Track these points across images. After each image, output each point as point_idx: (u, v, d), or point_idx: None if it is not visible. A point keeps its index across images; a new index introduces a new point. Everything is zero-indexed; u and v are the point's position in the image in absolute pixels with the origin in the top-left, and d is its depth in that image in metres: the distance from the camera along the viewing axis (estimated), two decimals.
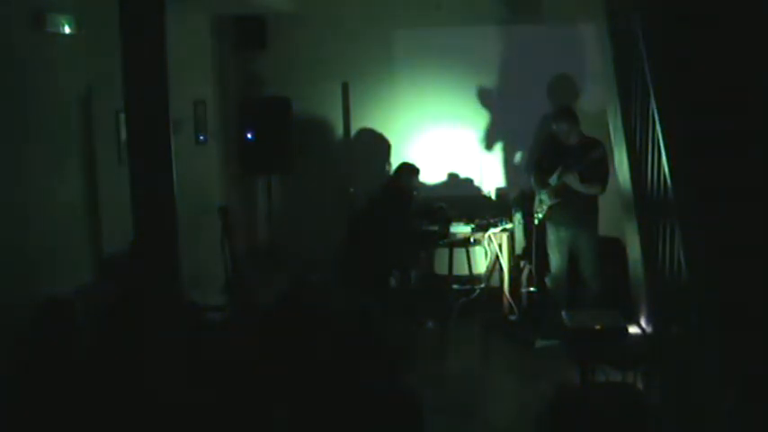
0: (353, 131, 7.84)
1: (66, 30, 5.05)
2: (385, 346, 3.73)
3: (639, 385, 4.86)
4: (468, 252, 7.53)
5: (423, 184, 7.61)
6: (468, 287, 7.50)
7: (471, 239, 7.33)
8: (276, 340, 4.22)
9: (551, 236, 6.65)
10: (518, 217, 7.35)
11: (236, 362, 3.97)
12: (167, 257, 3.47)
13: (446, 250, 7.35)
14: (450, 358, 6.73)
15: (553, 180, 6.47)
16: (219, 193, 7.67)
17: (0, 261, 4.49)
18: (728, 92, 4.66)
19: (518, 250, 7.41)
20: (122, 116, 4.47)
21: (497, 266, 7.41)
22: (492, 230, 7.27)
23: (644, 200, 4.69)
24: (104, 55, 4.92)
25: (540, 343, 6.61)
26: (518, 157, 7.90)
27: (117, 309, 4.10)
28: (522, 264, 7.29)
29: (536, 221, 6.77)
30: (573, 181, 6.37)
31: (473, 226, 7.30)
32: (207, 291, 5.85)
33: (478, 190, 7.97)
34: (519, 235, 7.38)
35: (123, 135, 4.72)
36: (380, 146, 7.95)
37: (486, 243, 7.35)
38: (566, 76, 7.78)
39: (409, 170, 7.33)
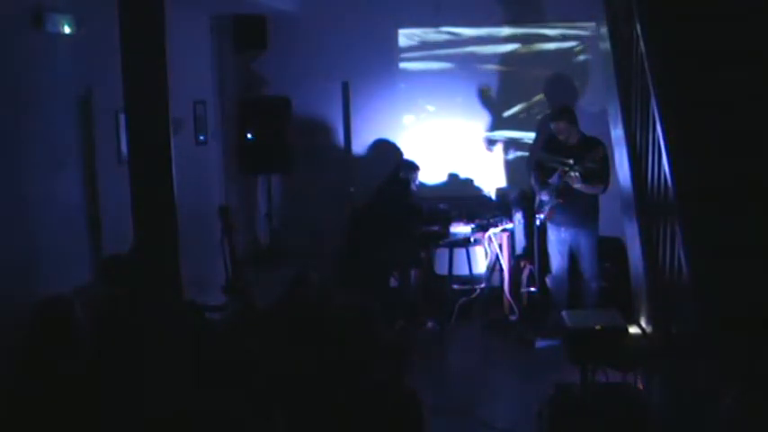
0: (354, 132, 7.84)
1: (66, 30, 5.05)
2: (385, 346, 3.73)
3: (639, 385, 4.86)
4: (468, 252, 7.53)
5: (422, 183, 7.61)
6: (468, 287, 7.51)
7: (471, 239, 7.33)
8: (276, 340, 4.23)
9: (552, 236, 6.65)
10: (518, 217, 7.35)
11: (237, 362, 3.97)
12: (167, 257, 3.47)
13: (446, 250, 7.35)
14: (450, 358, 6.74)
15: (554, 181, 6.47)
16: (219, 193, 7.67)
17: (0, 261, 4.49)
18: (729, 91, 4.66)
19: (518, 250, 7.41)
20: (122, 116, 4.47)
21: (497, 266, 7.41)
22: (492, 230, 7.27)
23: (644, 200, 4.69)
24: (104, 55, 4.91)
25: (540, 343, 6.61)
26: (518, 157, 7.91)
27: (117, 309, 4.10)
28: (522, 264, 7.29)
29: (537, 222, 6.77)
30: (575, 181, 6.37)
31: (473, 226, 7.31)
32: (207, 291, 5.85)
33: (478, 190, 7.98)
34: (519, 235, 7.38)
35: (123, 135, 4.72)
36: (381, 147, 7.96)
37: (486, 243, 7.36)
38: (565, 76, 7.79)
39: (409, 166, 7.35)
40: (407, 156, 7.69)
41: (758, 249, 4.16)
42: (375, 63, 7.87)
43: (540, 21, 7.76)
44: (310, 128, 7.93)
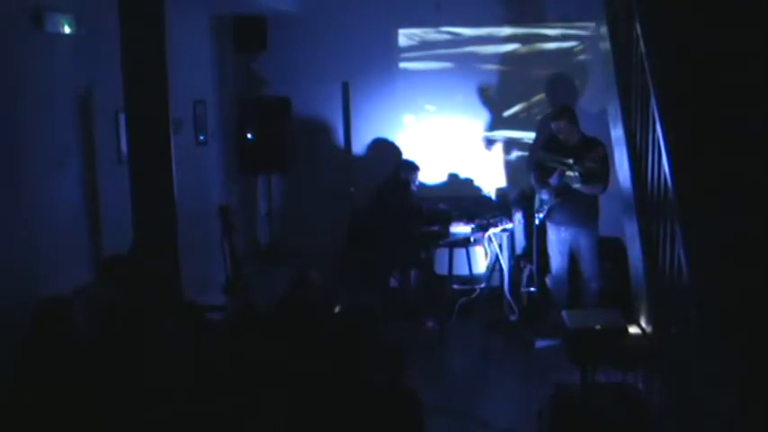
0: (354, 132, 7.85)
1: (67, 30, 5.05)
2: (385, 346, 3.73)
3: (639, 385, 4.86)
4: (468, 252, 7.53)
5: (422, 183, 7.60)
6: (468, 287, 7.50)
7: (471, 239, 7.33)
8: (276, 340, 4.22)
9: (552, 236, 6.65)
10: (518, 217, 7.35)
11: (237, 362, 3.97)
12: (167, 257, 3.47)
13: (446, 250, 7.35)
14: (450, 358, 6.73)
15: (554, 180, 6.47)
16: (219, 193, 7.67)
17: (0, 261, 4.49)
18: (729, 91, 4.66)
19: (518, 250, 7.41)
20: (122, 116, 4.47)
21: (497, 266, 7.41)
22: (492, 230, 7.27)
23: (644, 200, 4.69)
24: (104, 55, 4.91)
25: (540, 343, 6.61)
26: (518, 157, 7.92)
27: (117, 309, 4.10)
28: (522, 264, 7.29)
29: (537, 222, 6.77)
30: (574, 181, 6.37)
31: (473, 226, 7.31)
32: (207, 291, 5.85)
33: (478, 190, 7.98)
34: (519, 235, 7.38)
35: (123, 135, 4.72)
36: (381, 147, 7.96)
37: (486, 243, 7.36)
38: (565, 75, 7.79)
39: (408, 166, 7.35)
40: (407, 156, 7.69)
41: (758, 249, 4.16)
42: (375, 63, 7.87)
43: (540, 21, 7.76)
44: (310, 128, 7.93)
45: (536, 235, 6.88)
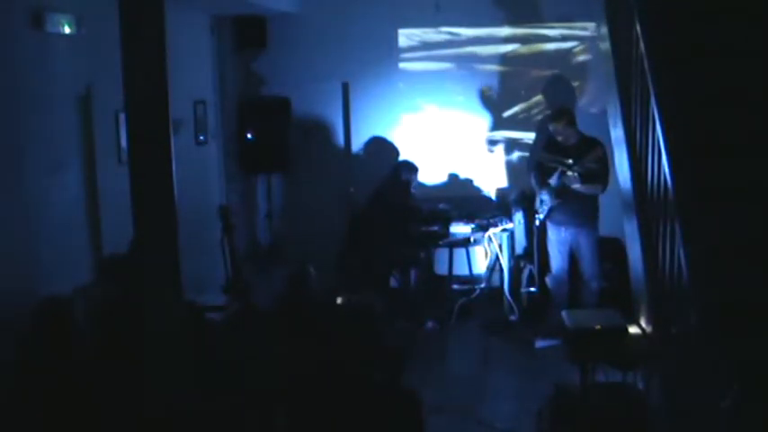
0: (354, 132, 7.85)
1: (66, 30, 5.05)
2: (385, 346, 3.74)
3: (639, 385, 4.86)
4: (468, 252, 7.53)
5: (421, 183, 7.60)
6: (468, 287, 7.50)
7: (471, 239, 7.33)
8: (276, 340, 4.22)
9: (552, 236, 6.65)
10: (518, 217, 7.35)
11: (237, 362, 3.97)
12: (167, 257, 3.47)
13: (446, 250, 7.35)
14: (451, 358, 6.73)
15: (554, 181, 6.47)
16: (219, 193, 7.67)
17: (0, 261, 4.49)
18: (729, 91, 4.66)
19: (518, 250, 7.41)
20: (122, 116, 4.47)
21: (497, 266, 7.41)
22: (492, 230, 7.27)
23: (644, 200, 4.68)
24: (104, 55, 4.91)
25: (540, 343, 6.61)
26: (518, 157, 7.92)
27: (117, 309, 4.10)
28: (522, 264, 7.29)
29: (537, 222, 6.77)
30: (573, 181, 6.37)
31: (473, 226, 7.31)
32: (207, 291, 5.85)
33: (478, 190, 7.98)
34: (519, 235, 7.38)
35: (123, 135, 4.72)
36: (382, 147, 7.96)
37: (486, 243, 7.35)
38: (564, 77, 7.79)
39: (408, 167, 7.34)
40: (407, 156, 7.69)
41: (758, 249, 4.16)
42: (375, 63, 7.87)
43: (540, 21, 7.76)
44: (310, 128, 7.93)
45: (536, 235, 6.88)
